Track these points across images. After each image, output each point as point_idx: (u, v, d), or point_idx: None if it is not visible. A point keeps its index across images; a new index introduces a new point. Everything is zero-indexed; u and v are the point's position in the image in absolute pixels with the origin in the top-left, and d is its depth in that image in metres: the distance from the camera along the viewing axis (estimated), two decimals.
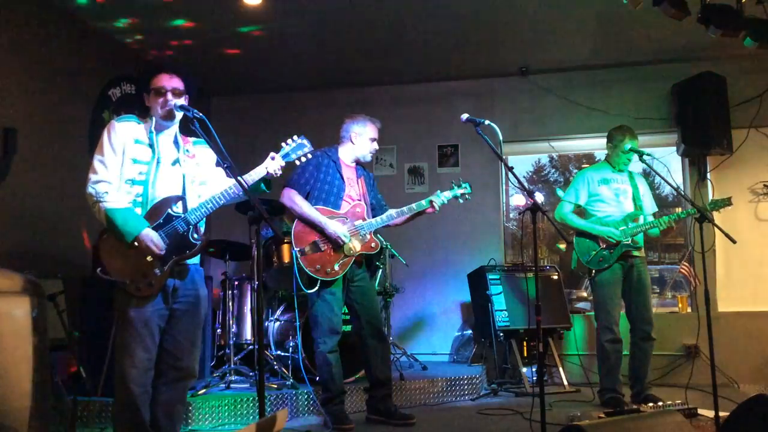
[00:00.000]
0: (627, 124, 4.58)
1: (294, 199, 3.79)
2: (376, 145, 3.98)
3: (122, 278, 2.69)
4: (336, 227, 3.73)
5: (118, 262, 2.71)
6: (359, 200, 3.91)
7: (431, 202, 3.87)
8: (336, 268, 3.74)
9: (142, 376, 2.71)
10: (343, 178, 3.90)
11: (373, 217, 3.93)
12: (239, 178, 2.65)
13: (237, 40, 5.31)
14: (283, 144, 2.99)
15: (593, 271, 4.33)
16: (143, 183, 2.78)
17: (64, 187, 4.52)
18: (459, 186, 3.94)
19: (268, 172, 2.89)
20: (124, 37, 5.23)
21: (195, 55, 5.57)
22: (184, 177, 2.88)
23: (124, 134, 2.79)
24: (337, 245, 3.75)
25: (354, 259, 3.80)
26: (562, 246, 4.97)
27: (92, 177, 2.73)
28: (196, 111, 2.76)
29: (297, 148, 3.00)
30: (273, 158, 2.93)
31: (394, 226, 4.03)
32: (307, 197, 3.82)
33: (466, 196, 3.96)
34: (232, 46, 5.45)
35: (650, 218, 4.34)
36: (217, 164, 2.99)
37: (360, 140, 3.94)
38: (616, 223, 4.29)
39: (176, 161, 2.89)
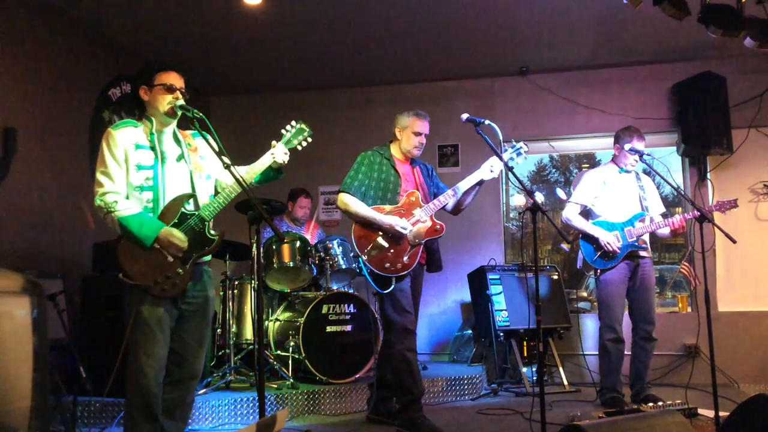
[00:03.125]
0: (627, 123, 4.58)
1: (347, 201, 3.70)
2: (422, 140, 3.83)
3: (146, 282, 2.66)
4: (390, 219, 3.62)
5: (140, 265, 2.68)
6: (414, 189, 3.81)
7: (491, 168, 3.69)
8: (405, 260, 3.64)
9: (159, 374, 2.71)
10: (398, 173, 3.81)
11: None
12: (239, 177, 2.63)
13: (237, 40, 5.31)
14: (283, 131, 2.96)
15: (598, 270, 4.33)
16: (152, 188, 2.75)
17: (65, 187, 4.52)
18: (512, 147, 3.72)
19: (275, 161, 2.88)
20: (124, 37, 5.23)
21: (195, 55, 5.58)
22: (191, 173, 2.85)
23: (124, 141, 2.74)
24: (398, 238, 3.66)
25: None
26: (566, 246, 4.95)
27: (98, 190, 2.70)
28: (196, 111, 2.75)
29: (297, 133, 2.96)
30: (276, 146, 2.91)
31: (458, 209, 3.87)
32: (364, 198, 3.72)
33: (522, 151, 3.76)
34: (232, 46, 5.45)
35: (658, 219, 4.34)
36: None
37: (404, 134, 3.83)
38: (621, 224, 4.29)
39: (180, 157, 2.86)
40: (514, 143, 3.78)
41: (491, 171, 3.72)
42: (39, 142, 4.41)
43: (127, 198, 2.73)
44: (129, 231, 2.67)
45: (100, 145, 2.76)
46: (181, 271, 2.71)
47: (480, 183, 3.78)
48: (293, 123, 2.98)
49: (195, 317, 2.85)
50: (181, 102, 2.80)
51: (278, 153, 2.89)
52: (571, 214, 4.42)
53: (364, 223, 3.67)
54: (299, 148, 2.98)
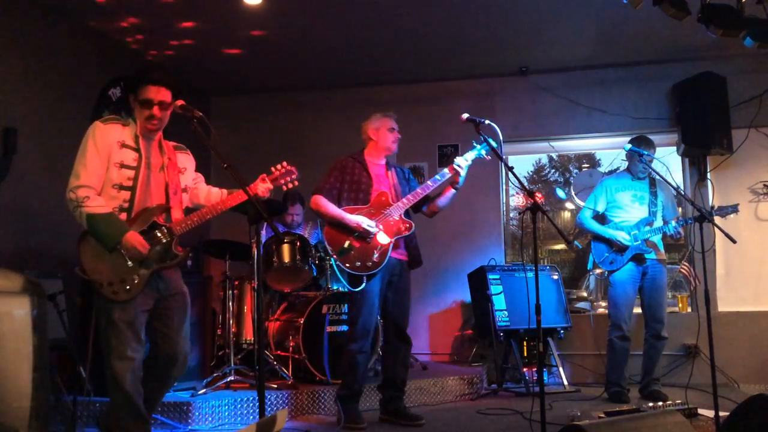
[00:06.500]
0: (627, 123, 4.64)
1: (319, 202, 3.81)
2: (397, 134, 4.00)
3: (100, 279, 2.67)
4: (356, 218, 3.71)
5: (98, 264, 2.70)
6: (385, 190, 3.90)
7: (452, 167, 3.80)
8: (375, 258, 3.71)
9: (136, 374, 2.72)
10: (370, 175, 3.91)
11: None
12: (239, 178, 2.64)
13: (237, 40, 5.31)
14: (273, 169, 3.03)
15: (607, 271, 4.61)
16: (131, 189, 2.75)
17: (64, 188, 4.51)
18: (480, 145, 3.78)
19: (255, 194, 2.91)
20: (124, 37, 5.22)
21: (195, 55, 5.57)
22: (167, 185, 2.87)
23: (110, 137, 2.75)
24: (367, 237, 3.72)
25: (392, 246, 3.76)
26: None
27: (73, 182, 2.70)
28: (195, 111, 2.75)
29: (286, 173, 3.04)
30: (264, 180, 2.97)
31: (432, 211, 3.96)
32: (338, 201, 3.84)
33: (489, 151, 3.72)
34: (232, 46, 5.45)
35: (673, 223, 4.52)
36: (197, 170, 3.09)
37: (380, 134, 3.96)
38: (629, 228, 4.53)
39: (162, 168, 2.88)
40: (475, 144, 3.83)
41: (457, 168, 3.78)
42: (39, 142, 4.41)
43: (101, 195, 2.73)
44: (95, 228, 2.67)
45: (84, 136, 2.75)
46: (136, 278, 2.71)
47: (455, 187, 3.84)
48: (285, 164, 3.04)
49: (177, 304, 2.89)
50: (181, 102, 2.80)
51: (262, 188, 2.95)
52: (585, 218, 4.72)
53: (334, 223, 3.77)
54: (284, 188, 3.05)
